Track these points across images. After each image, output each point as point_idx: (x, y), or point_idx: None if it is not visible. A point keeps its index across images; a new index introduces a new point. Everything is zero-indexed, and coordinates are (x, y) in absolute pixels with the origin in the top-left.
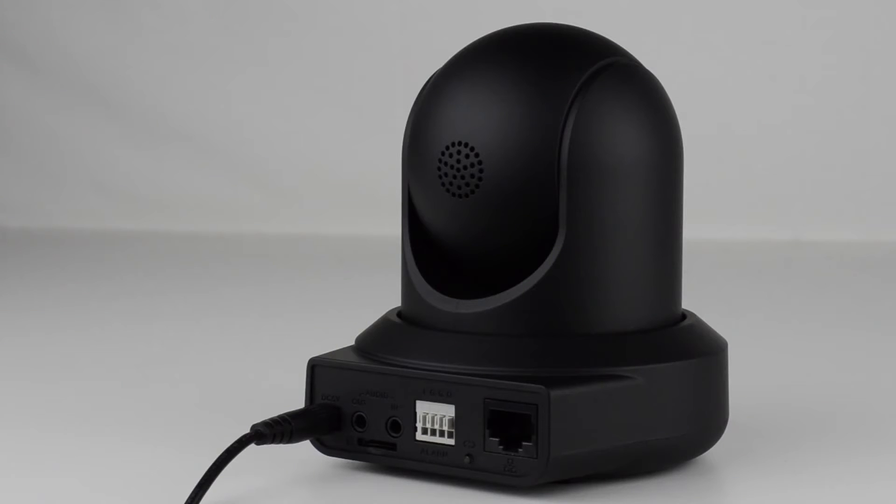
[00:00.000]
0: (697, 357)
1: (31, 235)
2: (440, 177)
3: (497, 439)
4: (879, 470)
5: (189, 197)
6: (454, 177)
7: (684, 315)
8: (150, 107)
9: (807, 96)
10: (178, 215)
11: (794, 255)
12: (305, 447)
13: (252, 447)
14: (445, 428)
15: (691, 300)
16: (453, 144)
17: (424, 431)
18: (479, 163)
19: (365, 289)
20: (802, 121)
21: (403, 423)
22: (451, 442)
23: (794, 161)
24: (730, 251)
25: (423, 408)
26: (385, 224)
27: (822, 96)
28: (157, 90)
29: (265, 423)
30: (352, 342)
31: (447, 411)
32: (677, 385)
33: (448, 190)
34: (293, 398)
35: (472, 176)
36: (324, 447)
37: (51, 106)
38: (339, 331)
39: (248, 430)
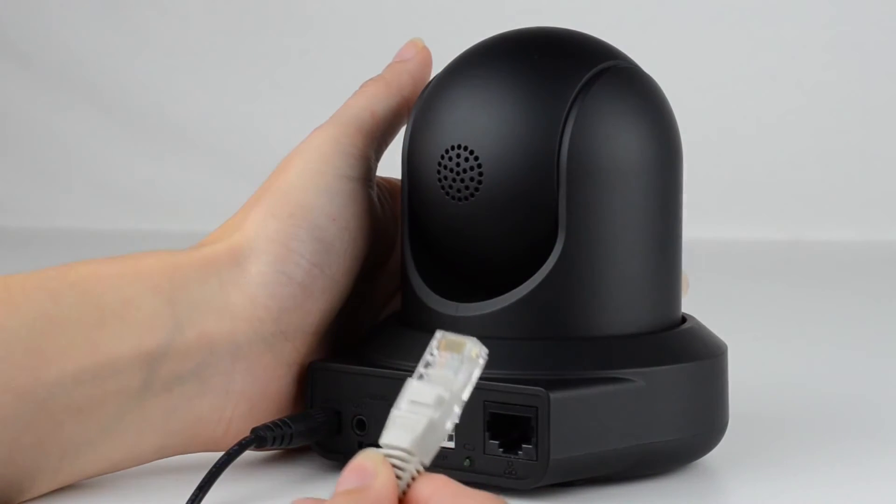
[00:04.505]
0: (697, 360)
1: (31, 235)
2: (440, 180)
3: (497, 442)
4: (880, 471)
5: (189, 197)
6: (454, 180)
7: (684, 318)
8: (150, 107)
9: (806, 96)
10: (179, 215)
11: (794, 255)
12: (305, 451)
13: (252, 450)
14: None
15: (691, 300)
16: (453, 148)
17: None
18: (479, 166)
19: None
20: (802, 121)
21: None
22: (451, 445)
23: (794, 161)
24: (730, 251)
25: None
26: None
27: (822, 96)
28: (157, 90)
29: (265, 427)
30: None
31: None
32: (677, 388)
33: (448, 193)
34: None
35: (472, 179)
36: (324, 451)
37: (51, 106)
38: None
39: (248, 434)
